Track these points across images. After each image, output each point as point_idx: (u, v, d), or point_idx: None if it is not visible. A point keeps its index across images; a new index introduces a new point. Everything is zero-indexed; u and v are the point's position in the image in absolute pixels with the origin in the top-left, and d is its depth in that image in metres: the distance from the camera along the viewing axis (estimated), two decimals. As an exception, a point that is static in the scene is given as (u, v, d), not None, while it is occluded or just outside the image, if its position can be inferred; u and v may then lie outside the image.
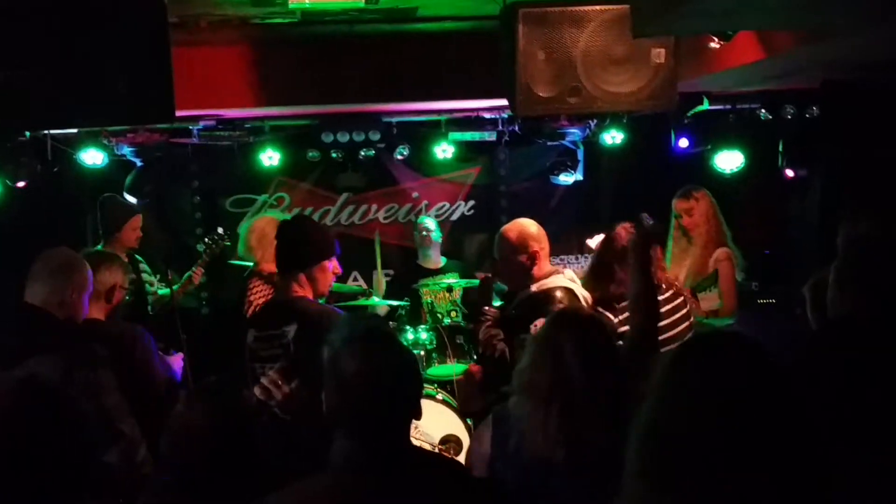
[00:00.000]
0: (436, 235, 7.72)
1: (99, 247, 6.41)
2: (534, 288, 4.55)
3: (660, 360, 1.74)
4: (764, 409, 1.58)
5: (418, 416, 2.47)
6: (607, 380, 2.96)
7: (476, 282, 7.30)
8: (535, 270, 4.57)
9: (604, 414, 2.87)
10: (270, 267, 5.58)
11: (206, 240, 6.93)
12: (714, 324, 5.92)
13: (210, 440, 2.84)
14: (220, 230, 7.03)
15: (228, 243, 6.90)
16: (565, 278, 4.56)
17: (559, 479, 2.89)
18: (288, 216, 6.47)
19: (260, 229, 6.17)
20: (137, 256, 6.63)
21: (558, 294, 4.41)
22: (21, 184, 6.55)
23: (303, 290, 4.30)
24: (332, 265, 4.44)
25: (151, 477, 3.57)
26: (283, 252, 4.43)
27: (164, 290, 6.66)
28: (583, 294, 4.55)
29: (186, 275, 6.77)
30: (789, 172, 7.54)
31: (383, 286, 7.48)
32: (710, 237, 6.33)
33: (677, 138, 7.29)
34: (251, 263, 6.28)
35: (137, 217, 6.57)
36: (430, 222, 7.77)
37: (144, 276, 6.59)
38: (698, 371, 1.65)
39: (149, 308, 6.32)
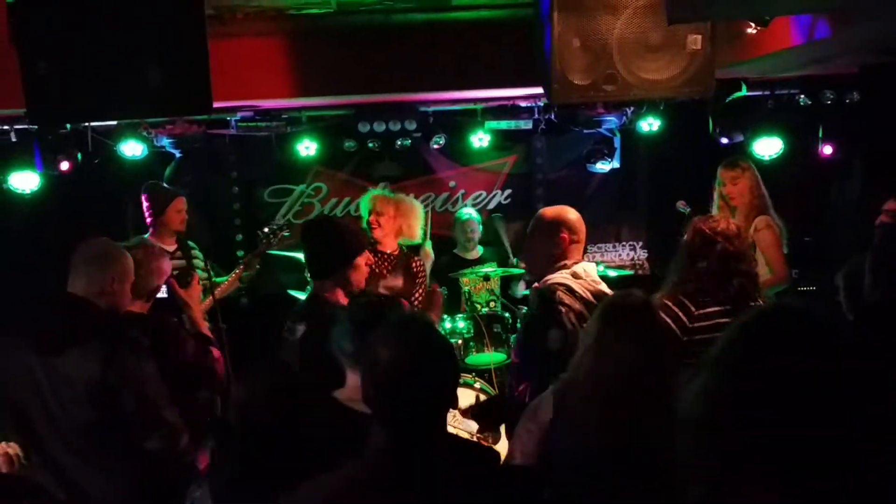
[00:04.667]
0: (480, 230, 7.81)
1: (146, 235, 6.46)
2: (548, 280, 4.31)
3: (720, 337, 1.71)
4: (822, 385, 1.55)
5: (454, 404, 2.48)
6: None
7: (514, 271, 7.33)
8: (558, 261, 4.33)
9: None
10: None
11: (266, 230, 6.87)
12: (769, 294, 5.86)
13: (268, 410, 2.90)
14: (280, 221, 7.05)
15: (288, 233, 6.92)
16: (566, 273, 4.26)
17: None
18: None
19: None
20: (190, 243, 6.65)
21: (558, 294, 4.14)
22: (65, 166, 6.60)
23: (333, 294, 4.44)
24: (365, 258, 4.57)
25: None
26: (311, 260, 4.60)
27: (220, 278, 6.70)
28: (585, 291, 4.21)
29: (238, 264, 6.80)
30: (827, 150, 7.47)
31: (431, 255, 7.33)
32: (752, 207, 6.30)
33: (715, 130, 7.22)
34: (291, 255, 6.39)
35: (180, 199, 6.58)
36: (474, 220, 7.79)
37: (197, 262, 6.61)
38: (757, 347, 1.63)
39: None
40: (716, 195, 6.52)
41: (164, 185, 6.93)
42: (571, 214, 4.42)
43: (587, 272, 4.30)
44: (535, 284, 4.44)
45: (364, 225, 6.18)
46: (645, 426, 2.85)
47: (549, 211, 4.50)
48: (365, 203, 6.32)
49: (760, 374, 1.58)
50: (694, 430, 1.64)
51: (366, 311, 3.68)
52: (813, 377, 1.54)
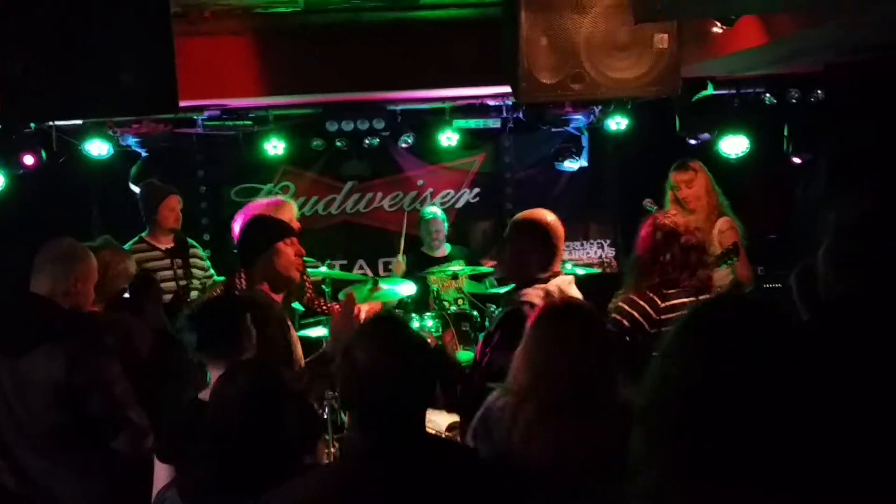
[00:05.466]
0: (446, 230, 7.81)
1: (144, 233, 6.49)
2: (521, 297, 4.18)
3: (673, 324, 1.73)
4: (774, 371, 1.57)
5: (433, 403, 2.48)
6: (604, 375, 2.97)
7: (482, 269, 7.34)
8: (533, 270, 4.22)
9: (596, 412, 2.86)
10: None
11: None
12: None
13: (246, 411, 2.89)
14: None
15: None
16: (540, 290, 4.10)
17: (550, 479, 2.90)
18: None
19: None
20: (191, 241, 6.63)
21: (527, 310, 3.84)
22: (29, 160, 6.53)
23: (261, 286, 4.29)
24: (294, 248, 4.39)
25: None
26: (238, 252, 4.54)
27: (220, 278, 6.68)
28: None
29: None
30: (796, 160, 7.54)
31: (403, 267, 7.49)
32: (711, 208, 6.30)
33: (682, 129, 7.27)
34: None
35: (173, 197, 6.57)
36: (439, 219, 7.81)
37: (197, 261, 6.59)
38: (707, 334, 1.64)
39: (191, 294, 6.25)
40: (668, 199, 6.48)
41: (158, 183, 6.88)
42: (548, 217, 4.33)
43: (562, 289, 4.15)
44: (510, 298, 4.36)
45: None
46: (594, 425, 2.85)
47: (523, 214, 4.41)
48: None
49: (711, 360, 1.60)
50: (648, 417, 1.65)
51: (205, 302, 3.69)
52: (764, 362, 1.56)
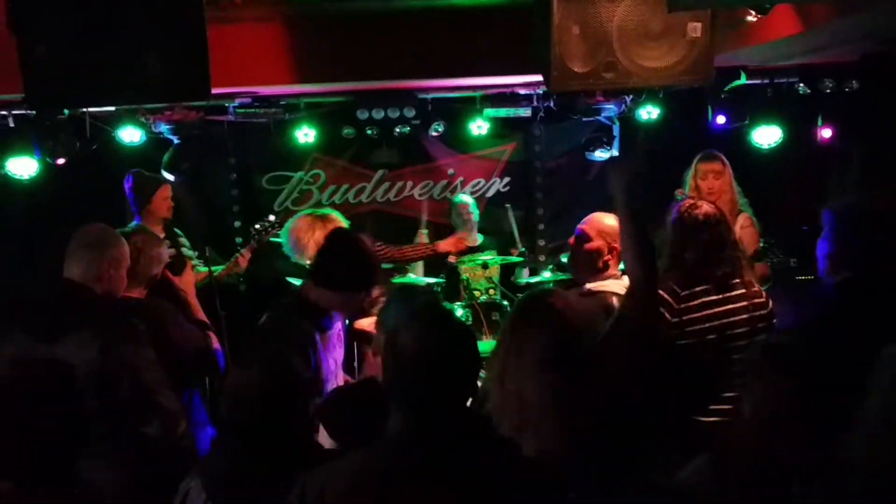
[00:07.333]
0: (476, 215, 7.79)
1: (133, 223, 6.45)
2: (588, 286, 4.43)
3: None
4: None
5: (475, 392, 2.48)
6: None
7: (512, 258, 7.34)
8: (602, 268, 4.48)
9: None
10: None
11: (258, 226, 6.96)
12: None
13: (261, 401, 2.90)
14: (272, 217, 7.05)
15: (281, 231, 6.91)
16: (622, 284, 4.24)
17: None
18: (324, 210, 6.41)
19: (294, 233, 6.03)
20: (177, 230, 6.66)
21: (613, 301, 4.18)
22: (60, 161, 6.62)
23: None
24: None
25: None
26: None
27: (202, 268, 6.70)
28: None
29: (234, 256, 6.86)
30: (826, 133, 7.46)
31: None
32: (733, 203, 6.24)
33: (714, 114, 7.22)
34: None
35: (166, 187, 6.64)
36: (469, 202, 7.83)
37: (184, 250, 6.62)
38: None
39: None
40: (689, 187, 6.39)
41: (149, 172, 6.91)
42: (607, 220, 4.53)
43: None
44: (588, 287, 4.46)
45: None
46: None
47: (599, 222, 4.62)
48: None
49: None
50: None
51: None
52: None
